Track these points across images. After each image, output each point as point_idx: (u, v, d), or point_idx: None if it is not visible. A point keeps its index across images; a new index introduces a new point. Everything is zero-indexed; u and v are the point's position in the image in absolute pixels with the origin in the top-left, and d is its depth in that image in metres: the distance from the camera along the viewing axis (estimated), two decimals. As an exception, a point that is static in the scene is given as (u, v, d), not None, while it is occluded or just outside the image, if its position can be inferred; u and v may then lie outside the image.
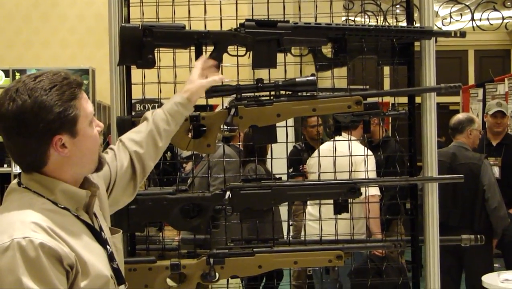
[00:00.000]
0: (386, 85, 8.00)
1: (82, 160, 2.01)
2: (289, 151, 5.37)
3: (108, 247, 2.09)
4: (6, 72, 10.45)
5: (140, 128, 2.56)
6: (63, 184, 1.97)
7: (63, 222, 1.92)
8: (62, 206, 1.96)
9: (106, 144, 6.05)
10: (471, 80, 12.96)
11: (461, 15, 6.59)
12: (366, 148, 4.19)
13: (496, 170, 6.85)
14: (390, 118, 4.13)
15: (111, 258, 2.09)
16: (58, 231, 1.87)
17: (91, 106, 2.04)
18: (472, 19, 6.60)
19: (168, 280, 3.07)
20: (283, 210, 4.85)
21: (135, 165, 2.46)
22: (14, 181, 2.02)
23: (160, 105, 2.78)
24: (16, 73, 10.10)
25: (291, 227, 6.43)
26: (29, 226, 1.82)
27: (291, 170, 6.32)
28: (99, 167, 2.10)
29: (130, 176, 2.46)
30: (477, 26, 6.50)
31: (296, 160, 6.56)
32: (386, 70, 3.65)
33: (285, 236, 3.45)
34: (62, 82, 1.94)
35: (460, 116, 6.26)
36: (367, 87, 3.36)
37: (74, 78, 1.98)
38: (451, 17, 6.52)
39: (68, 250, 1.85)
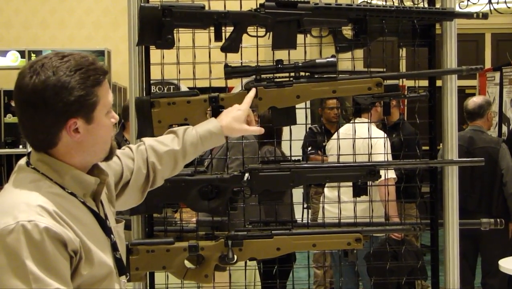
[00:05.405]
0: (402, 68, 7.93)
1: (93, 148, 1.99)
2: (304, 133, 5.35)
3: (112, 236, 2.07)
4: (22, 53, 10.47)
5: (166, 141, 2.49)
6: (73, 170, 1.95)
7: (69, 207, 1.90)
8: (69, 191, 1.94)
9: (121, 126, 6.04)
10: (488, 64, 12.84)
11: (479, -2, 6.54)
12: (385, 131, 4.17)
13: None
14: (406, 101, 4.11)
15: (114, 247, 2.07)
16: (63, 216, 1.84)
17: (111, 97, 2.02)
18: (490, 2, 6.56)
19: (186, 262, 3.07)
20: (297, 192, 4.83)
21: (150, 173, 2.43)
22: (23, 160, 2.00)
23: (177, 87, 2.75)
24: (32, 54, 10.11)
25: (309, 210, 6.43)
26: (35, 209, 1.79)
27: (309, 148, 6.32)
28: (108, 157, 2.08)
29: (144, 181, 2.43)
30: (494, 9, 6.47)
31: (311, 143, 6.55)
32: (403, 52, 3.61)
33: (298, 219, 3.43)
34: (89, 67, 1.92)
35: (476, 99, 6.17)
36: (384, 69, 3.33)
37: (101, 65, 1.97)
38: (468, 0, 6.48)
39: (73, 236, 1.83)
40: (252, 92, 2.85)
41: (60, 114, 1.87)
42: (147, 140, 2.49)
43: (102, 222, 2.04)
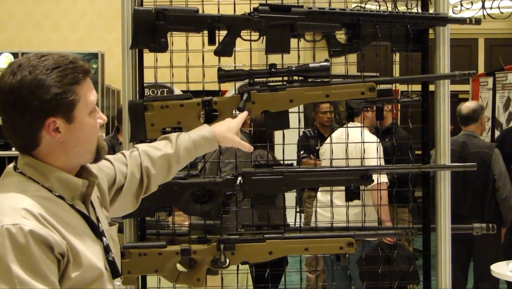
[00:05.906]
0: (395, 73, 7.95)
1: (77, 148, 1.95)
2: (297, 137, 5.36)
3: (104, 239, 2.04)
4: (16, 55, 10.42)
5: (159, 146, 2.48)
6: (59, 172, 1.92)
7: (57, 211, 1.87)
8: (57, 194, 1.91)
9: (116, 129, 6.04)
10: (481, 69, 12.87)
11: (472, 3, 6.57)
12: (377, 136, 4.17)
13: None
14: (399, 105, 4.13)
15: (106, 250, 2.04)
16: (50, 219, 1.82)
17: (94, 96, 1.98)
18: (483, 7, 6.58)
19: (178, 265, 3.06)
20: (290, 196, 4.83)
21: (144, 178, 2.41)
22: (10, 165, 1.97)
23: (170, 91, 2.73)
24: (26, 57, 10.06)
25: (302, 214, 6.44)
26: (20, 213, 1.77)
27: (302, 152, 6.33)
28: (96, 158, 2.04)
29: (138, 186, 2.41)
30: (488, 14, 6.49)
31: (304, 147, 6.55)
32: (396, 57, 3.62)
33: (290, 223, 3.43)
34: (67, 65, 1.89)
35: (470, 104, 6.19)
36: (378, 74, 3.34)
37: (81, 64, 1.93)
38: (461, 5, 6.50)
39: (60, 239, 1.81)
40: (244, 114, 2.83)
41: (37, 113, 1.85)
42: (141, 146, 2.48)
43: (93, 224, 2.01)
